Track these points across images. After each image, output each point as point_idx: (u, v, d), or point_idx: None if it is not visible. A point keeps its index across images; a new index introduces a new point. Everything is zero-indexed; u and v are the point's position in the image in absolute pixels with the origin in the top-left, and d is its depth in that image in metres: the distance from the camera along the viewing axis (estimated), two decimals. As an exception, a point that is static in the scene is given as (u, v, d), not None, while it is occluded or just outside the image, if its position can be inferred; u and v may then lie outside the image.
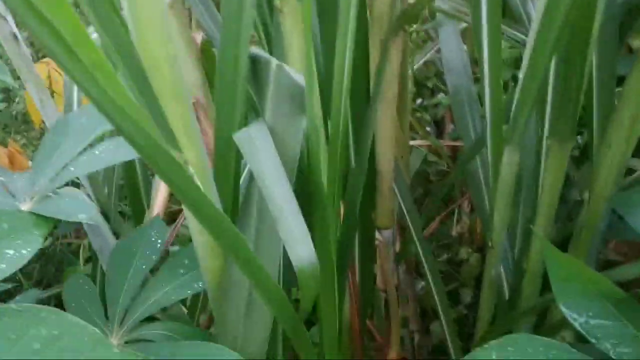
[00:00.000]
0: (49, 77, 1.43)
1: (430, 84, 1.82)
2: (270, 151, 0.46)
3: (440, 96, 1.66)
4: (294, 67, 0.52)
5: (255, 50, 0.49)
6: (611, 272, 0.58)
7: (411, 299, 1.14)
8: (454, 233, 1.31)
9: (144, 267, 0.62)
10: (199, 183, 0.47)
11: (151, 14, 0.40)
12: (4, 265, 0.41)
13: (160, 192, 0.76)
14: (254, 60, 0.49)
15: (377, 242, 0.88)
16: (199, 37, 0.90)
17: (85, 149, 0.58)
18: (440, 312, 0.92)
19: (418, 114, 1.61)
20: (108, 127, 0.57)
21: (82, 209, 0.49)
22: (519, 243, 0.87)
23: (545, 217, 0.70)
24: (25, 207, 0.54)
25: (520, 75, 0.56)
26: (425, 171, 1.57)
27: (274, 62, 0.48)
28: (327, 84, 0.54)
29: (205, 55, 0.76)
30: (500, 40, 0.63)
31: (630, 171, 1.06)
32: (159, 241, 0.63)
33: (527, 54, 0.58)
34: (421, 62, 1.58)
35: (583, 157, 1.15)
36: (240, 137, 0.46)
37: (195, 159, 0.46)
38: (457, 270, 1.41)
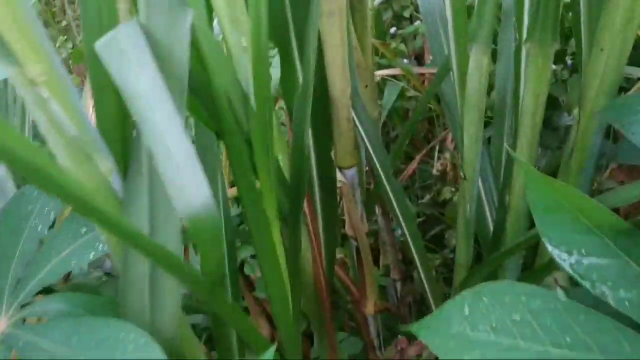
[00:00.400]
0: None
1: (407, 14, 1.69)
2: (146, 62, 0.34)
3: (417, 24, 1.52)
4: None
5: None
6: (607, 197, 0.47)
7: (390, 245, 1.04)
8: (434, 172, 1.20)
9: (40, 228, 0.51)
10: (64, 118, 0.35)
11: None
12: None
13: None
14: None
15: (339, 184, 0.76)
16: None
17: None
18: (417, 262, 0.81)
19: (393, 45, 1.47)
20: None
21: None
22: (504, 175, 0.76)
23: (527, 140, 0.58)
24: None
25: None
26: (403, 107, 1.45)
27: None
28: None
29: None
30: None
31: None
32: (59, 196, 0.52)
33: None
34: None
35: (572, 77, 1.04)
36: (104, 45, 0.34)
37: (48, 74, 0.34)
38: (442, 212, 1.31)
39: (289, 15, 0.60)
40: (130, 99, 0.34)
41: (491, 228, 0.79)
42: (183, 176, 0.33)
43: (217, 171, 0.60)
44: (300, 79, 0.60)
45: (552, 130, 1.04)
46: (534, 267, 0.69)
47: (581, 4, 0.57)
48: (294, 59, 0.62)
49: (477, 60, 0.48)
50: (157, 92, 0.34)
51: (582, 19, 0.61)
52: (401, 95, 1.36)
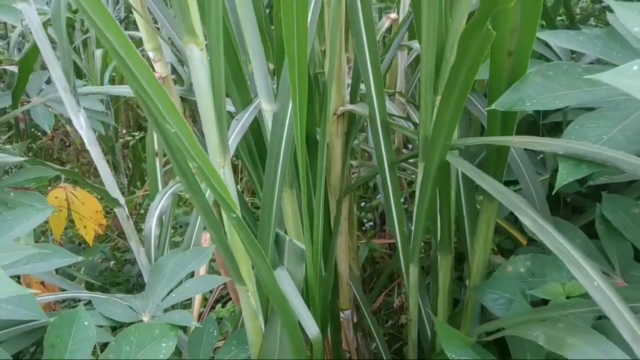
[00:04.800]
0: (66, 199, 1.81)
1: (371, 184, 2.31)
2: (289, 282, 0.90)
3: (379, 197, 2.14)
4: (289, 228, 0.98)
5: (277, 230, 0.95)
6: (482, 326, 1.03)
7: (367, 357, 1.58)
8: (395, 305, 1.76)
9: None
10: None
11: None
12: (162, 356, 0.83)
13: (197, 300, 1.19)
14: (278, 235, 0.94)
15: (341, 319, 1.32)
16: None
17: (179, 283, 1.00)
18: (387, 365, 1.36)
19: (363, 213, 2.09)
20: (190, 271, 0.99)
21: (190, 320, 0.90)
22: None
23: (443, 300, 1.16)
24: (145, 319, 0.96)
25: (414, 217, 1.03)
26: (372, 255, 2.05)
27: (287, 238, 0.93)
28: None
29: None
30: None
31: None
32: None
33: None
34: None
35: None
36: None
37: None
38: (401, 331, 1.86)
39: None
40: (285, 294, 0.90)
41: (430, 336, 1.35)
42: (306, 322, 0.89)
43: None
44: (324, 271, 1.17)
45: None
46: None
47: (467, 232, 1.17)
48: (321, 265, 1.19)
49: (413, 271, 1.06)
50: (293, 292, 0.90)
51: (467, 236, 1.20)
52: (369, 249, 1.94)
